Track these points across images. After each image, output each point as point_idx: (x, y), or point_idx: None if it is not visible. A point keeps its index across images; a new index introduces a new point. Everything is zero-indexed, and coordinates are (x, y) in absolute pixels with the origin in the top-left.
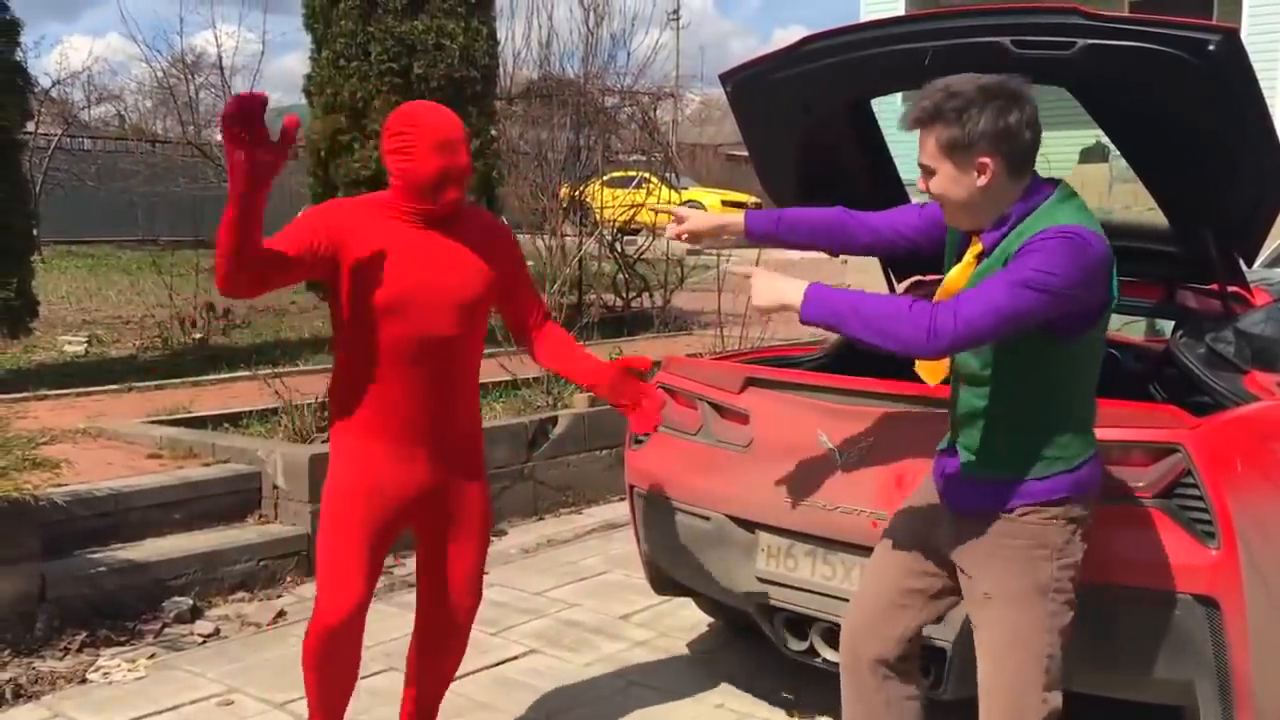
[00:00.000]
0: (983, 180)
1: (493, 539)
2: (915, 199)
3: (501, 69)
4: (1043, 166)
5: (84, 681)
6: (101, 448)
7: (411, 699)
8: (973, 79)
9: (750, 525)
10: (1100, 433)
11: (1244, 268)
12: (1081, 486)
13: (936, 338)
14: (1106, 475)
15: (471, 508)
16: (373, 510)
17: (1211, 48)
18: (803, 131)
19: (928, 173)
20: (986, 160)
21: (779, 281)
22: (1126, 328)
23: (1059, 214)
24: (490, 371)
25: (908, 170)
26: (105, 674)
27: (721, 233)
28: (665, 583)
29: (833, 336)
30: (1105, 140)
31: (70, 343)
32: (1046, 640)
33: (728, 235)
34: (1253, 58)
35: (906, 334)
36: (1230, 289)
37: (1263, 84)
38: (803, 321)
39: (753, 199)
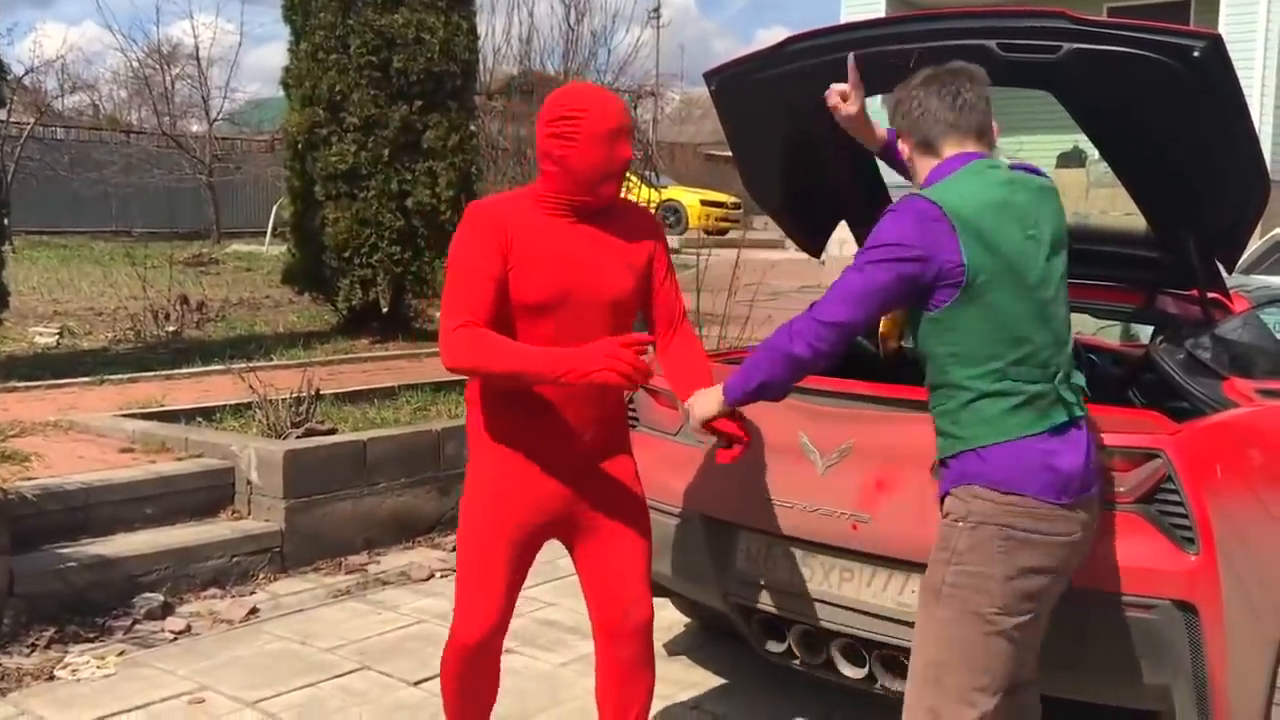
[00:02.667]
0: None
1: None
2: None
3: (482, 64)
4: None
5: (52, 678)
6: (72, 441)
7: None
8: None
9: (729, 526)
10: None
11: (1224, 274)
12: (993, 477)
13: (797, 339)
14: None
15: (627, 513)
16: (518, 525)
17: (1196, 53)
18: (786, 131)
19: None
20: (901, 142)
21: (705, 395)
22: (1101, 332)
23: (934, 188)
24: None
25: (890, 173)
26: (74, 671)
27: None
28: None
29: None
30: (1083, 145)
31: (41, 334)
32: (930, 647)
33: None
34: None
35: (784, 352)
36: (1210, 295)
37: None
38: (733, 404)
39: (732, 198)
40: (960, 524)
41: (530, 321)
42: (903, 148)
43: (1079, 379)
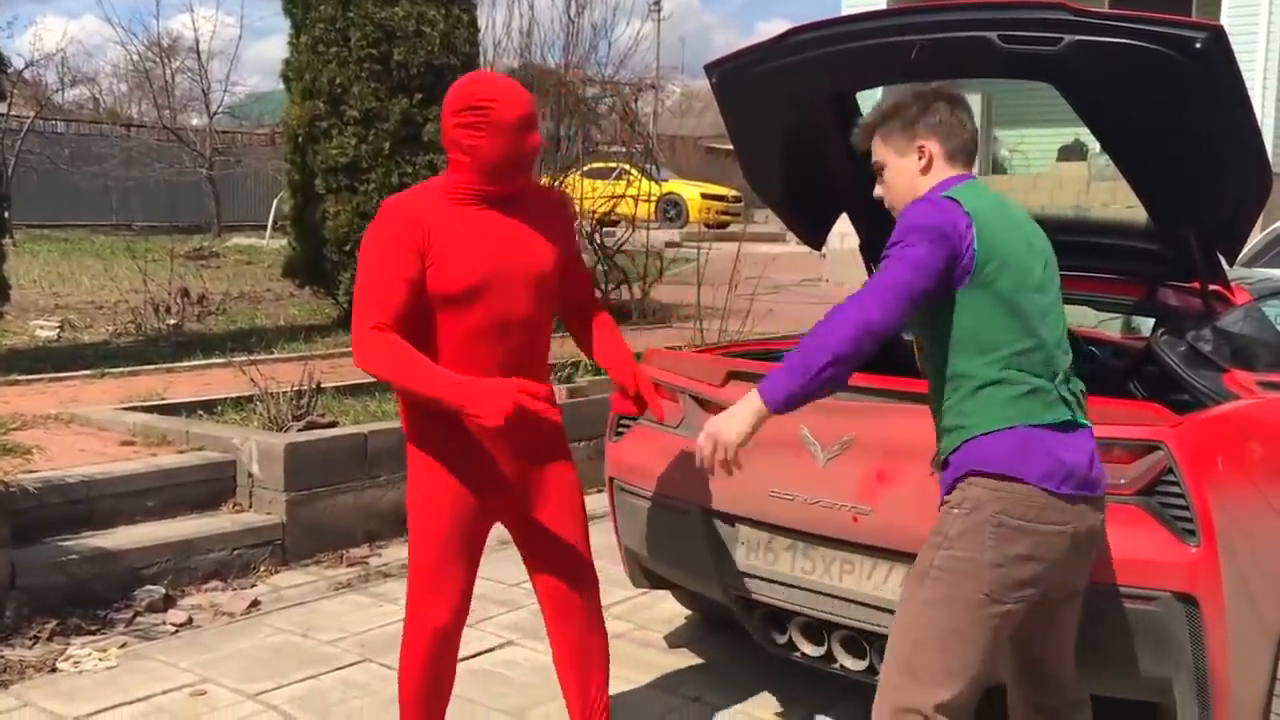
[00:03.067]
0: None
1: None
2: None
3: (482, 57)
4: (1021, 163)
5: (54, 670)
6: (74, 434)
7: (580, 706)
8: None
9: (730, 519)
10: None
11: (1225, 266)
12: (994, 462)
13: (868, 307)
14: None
15: (564, 491)
16: (462, 510)
17: (1198, 45)
18: (787, 124)
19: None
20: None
21: (732, 412)
22: (1103, 324)
23: (948, 191)
24: None
25: None
26: (75, 663)
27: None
28: (644, 575)
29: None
30: (1084, 138)
31: (42, 327)
32: (909, 626)
33: None
34: None
35: (856, 322)
36: (1212, 287)
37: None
38: (778, 410)
39: (733, 191)
40: (956, 510)
41: (456, 311)
42: (918, 153)
43: (1079, 386)
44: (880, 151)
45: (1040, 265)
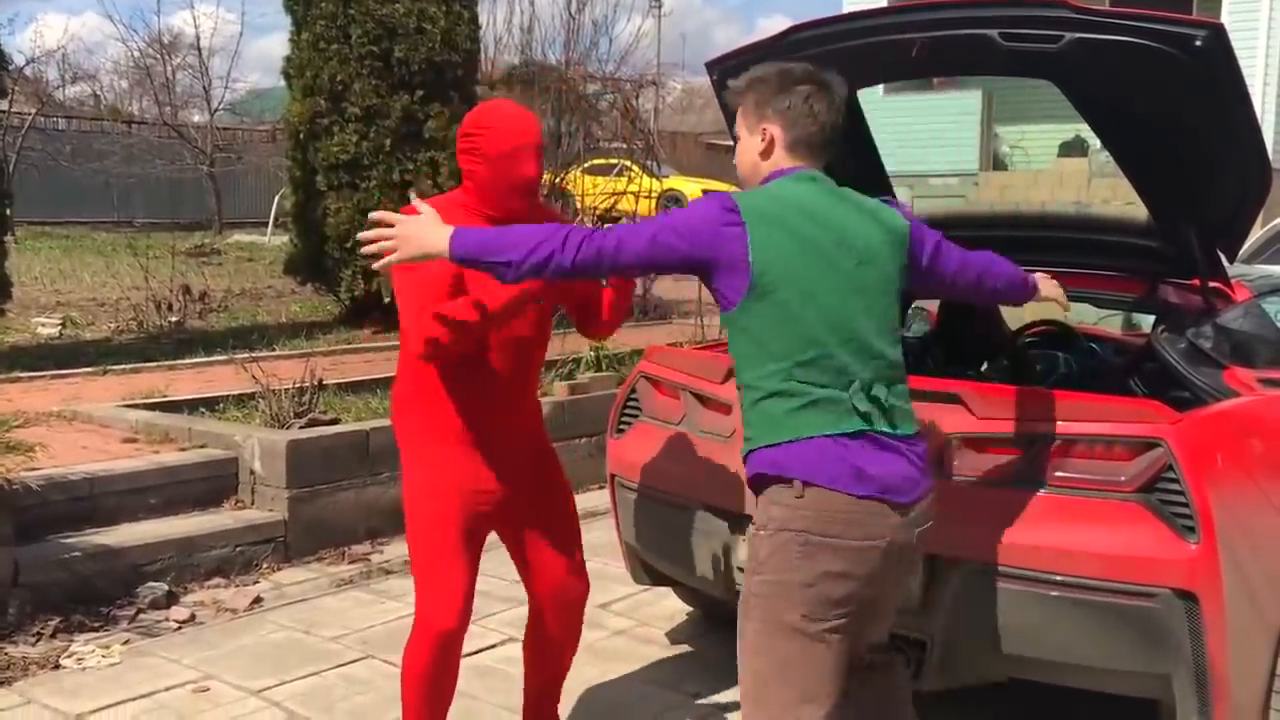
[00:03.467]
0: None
1: None
2: (900, 193)
3: (483, 54)
4: (1021, 159)
5: (57, 667)
6: (76, 431)
7: (533, 690)
8: None
9: (732, 515)
10: (1083, 427)
11: (1225, 263)
12: (781, 465)
13: (570, 248)
14: (1085, 467)
15: (556, 498)
16: (462, 513)
17: (1198, 42)
18: None
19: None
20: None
21: (426, 231)
22: (1104, 321)
23: (755, 191)
24: None
25: (892, 162)
26: (79, 660)
27: None
28: (645, 572)
29: None
30: (1085, 134)
31: (44, 325)
32: (748, 658)
33: None
34: None
35: (552, 245)
36: (1211, 284)
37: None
38: (452, 258)
39: (733, 188)
40: (762, 532)
41: None
42: (761, 135)
43: (893, 398)
44: (737, 122)
45: (849, 267)
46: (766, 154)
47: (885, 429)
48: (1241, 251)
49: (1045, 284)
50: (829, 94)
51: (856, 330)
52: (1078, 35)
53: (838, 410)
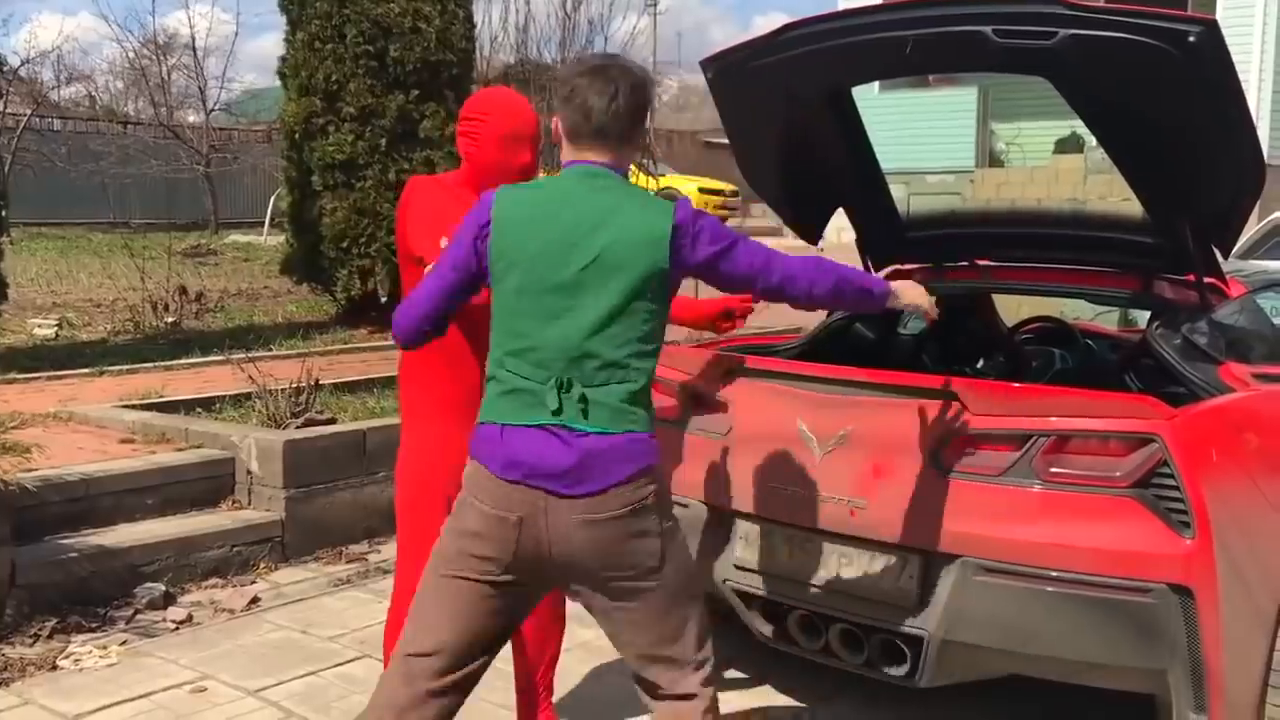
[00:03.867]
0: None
1: None
2: (894, 188)
3: (478, 53)
4: (1017, 156)
5: (54, 668)
6: (72, 432)
7: (523, 677)
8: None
9: (728, 513)
10: (1078, 422)
11: (1220, 259)
12: (472, 449)
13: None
14: (1081, 462)
15: None
16: (451, 489)
17: (1192, 39)
18: (783, 119)
19: None
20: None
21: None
22: (1100, 317)
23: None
24: None
25: (888, 160)
26: (76, 661)
27: None
28: None
29: (811, 326)
30: (1080, 131)
31: (40, 326)
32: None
33: None
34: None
35: None
36: (1207, 280)
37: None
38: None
39: (730, 186)
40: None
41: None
42: (556, 125)
43: (602, 397)
44: None
45: (577, 267)
46: (559, 143)
47: (579, 426)
48: (1237, 247)
49: (907, 292)
50: (602, 82)
51: (568, 329)
52: (1072, 32)
53: (530, 402)
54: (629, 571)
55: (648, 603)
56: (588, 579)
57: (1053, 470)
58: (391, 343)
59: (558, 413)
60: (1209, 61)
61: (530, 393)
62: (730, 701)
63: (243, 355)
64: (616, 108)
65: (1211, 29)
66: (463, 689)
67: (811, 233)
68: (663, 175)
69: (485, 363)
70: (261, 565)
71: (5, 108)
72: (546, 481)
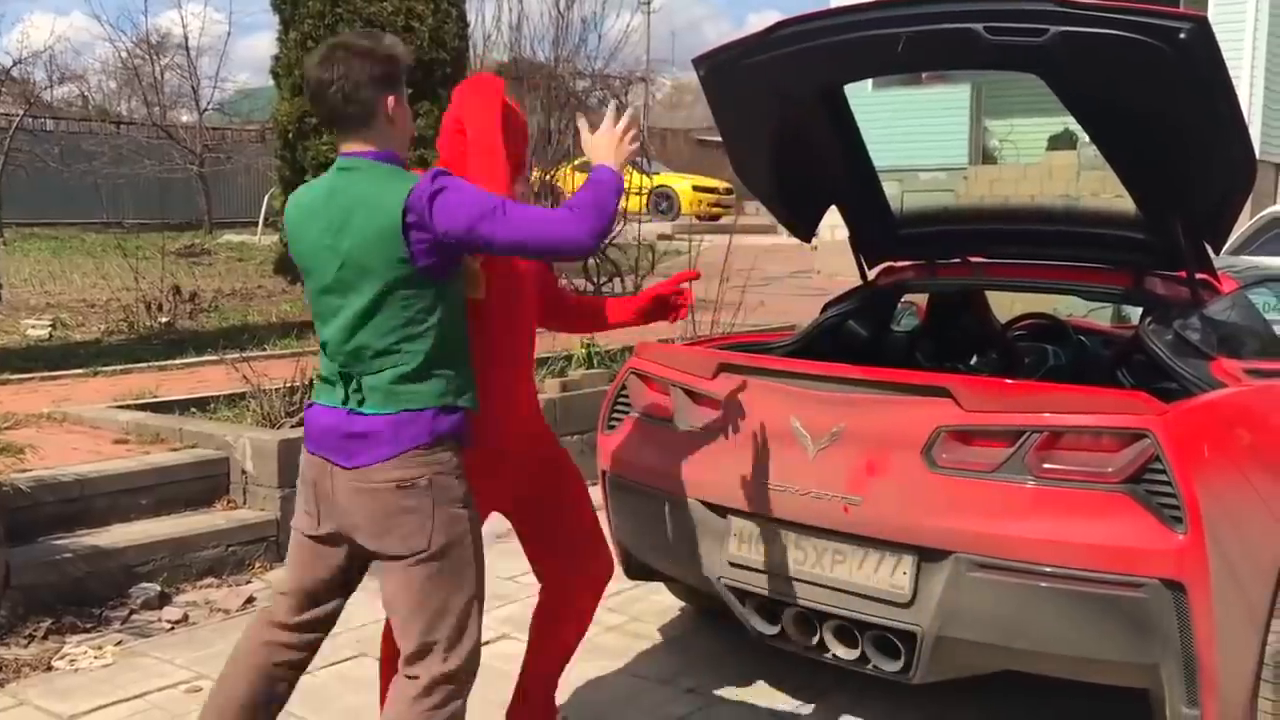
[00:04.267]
0: None
1: None
2: (888, 186)
3: (471, 51)
4: (1010, 153)
5: (49, 669)
6: (66, 433)
7: (533, 674)
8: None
9: (722, 510)
10: (1071, 418)
11: (1211, 255)
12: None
13: None
14: (1073, 458)
15: (564, 476)
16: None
17: (1183, 35)
18: (776, 117)
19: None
20: None
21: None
22: (1093, 314)
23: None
24: None
25: (881, 157)
26: (71, 661)
27: None
28: (637, 567)
29: (805, 323)
30: (1074, 127)
31: (34, 326)
32: None
33: None
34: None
35: None
36: (1198, 276)
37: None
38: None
39: (725, 184)
40: None
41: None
42: None
43: (375, 381)
44: None
45: (334, 266)
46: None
47: (358, 409)
48: (1230, 243)
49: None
50: (326, 65)
51: (341, 326)
52: (1063, 29)
53: (327, 388)
54: (396, 545)
55: (411, 578)
56: (367, 542)
57: (1045, 466)
58: None
59: (345, 400)
60: (1200, 58)
61: (328, 380)
62: (726, 698)
63: (237, 355)
64: (342, 86)
65: (1202, 25)
66: (314, 627)
67: (805, 230)
68: (656, 174)
69: (488, 362)
70: (257, 565)
71: None
72: (330, 453)
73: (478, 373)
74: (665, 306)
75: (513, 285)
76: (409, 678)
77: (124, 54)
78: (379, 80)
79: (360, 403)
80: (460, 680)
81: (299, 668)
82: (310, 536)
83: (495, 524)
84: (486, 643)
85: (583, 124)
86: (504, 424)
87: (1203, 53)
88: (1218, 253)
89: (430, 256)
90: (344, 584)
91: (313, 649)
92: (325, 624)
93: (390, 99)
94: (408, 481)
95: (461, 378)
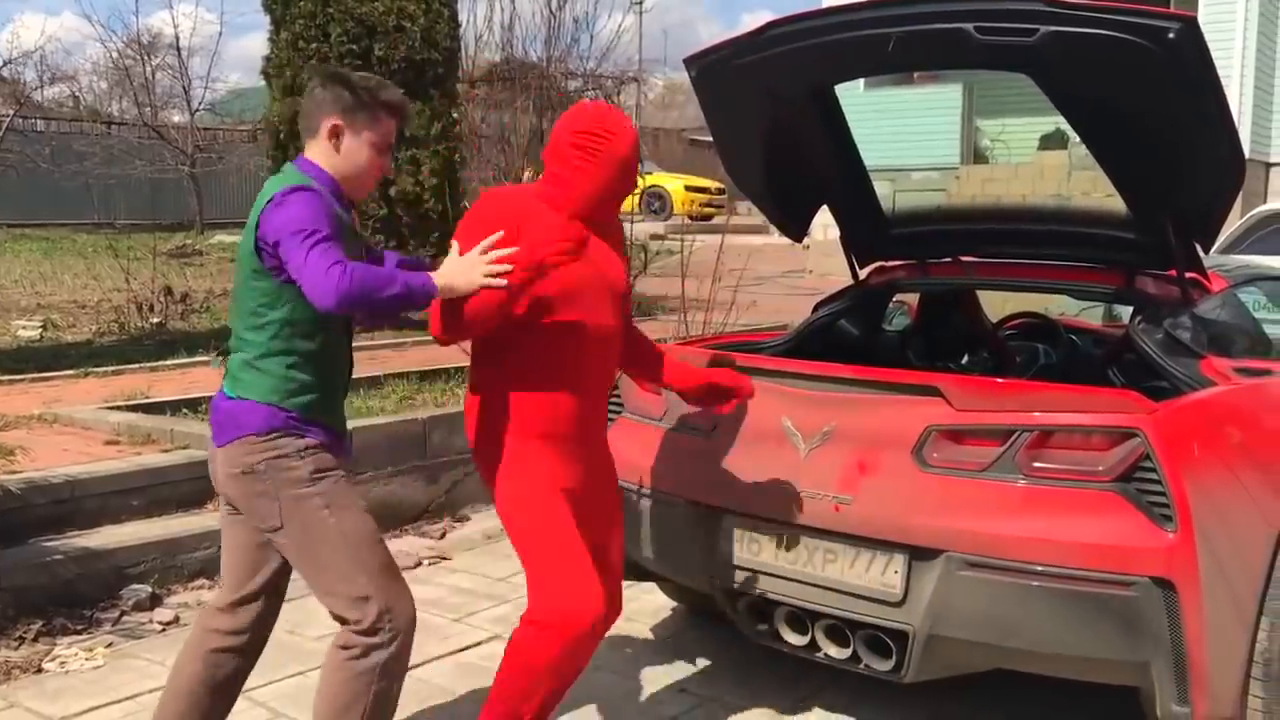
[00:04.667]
0: None
1: (456, 525)
2: (879, 185)
3: (463, 52)
4: (1002, 153)
5: (40, 671)
6: (57, 434)
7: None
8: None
9: (714, 510)
10: (1061, 417)
11: (1201, 254)
12: None
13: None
14: (1064, 457)
15: (615, 507)
16: (568, 508)
17: (1171, 35)
18: (767, 117)
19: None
20: None
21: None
22: (1084, 313)
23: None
24: (453, 356)
25: (872, 157)
26: (62, 663)
27: None
28: (629, 567)
29: (796, 323)
30: (1065, 127)
31: (25, 327)
32: None
33: None
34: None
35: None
36: (1188, 275)
37: (1219, 73)
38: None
39: (717, 184)
40: None
41: (554, 315)
42: None
43: (233, 366)
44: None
45: (239, 264)
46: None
47: (224, 388)
48: (1221, 241)
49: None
50: (319, 84)
51: (232, 314)
52: (1053, 29)
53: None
54: (259, 521)
55: (286, 552)
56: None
57: (1036, 465)
58: (375, 343)
59: (224, 378)
60: (1189, 58)
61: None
62: (718, 698)
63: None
64: (307, 105)
65: (1191, 25)
66: (257, 598)
67: (796, 230)
68: (649, 173)
69: (575, 379)
70: None
71: None
72: (213, 436)
73: (567, 399)
74: (718, 396)
75: (606, 320)
76: (341, 646)
77: (115, 54)
78: (329, 100)
79: (226, 385)
80: (376, 640)
81: (240, 652)
82: (227, 511)
83: (485, 524)
84: (476, 644)
85: (453, 247)
86: (581, 451)
87: (1192, 52)
88: (1207, 252)
89: (272, 258)
90: (270, 557)
91: (253, 630)
92: (258, 604)
93: (327, 119)
94: (249, 468)
95: (296, 382)
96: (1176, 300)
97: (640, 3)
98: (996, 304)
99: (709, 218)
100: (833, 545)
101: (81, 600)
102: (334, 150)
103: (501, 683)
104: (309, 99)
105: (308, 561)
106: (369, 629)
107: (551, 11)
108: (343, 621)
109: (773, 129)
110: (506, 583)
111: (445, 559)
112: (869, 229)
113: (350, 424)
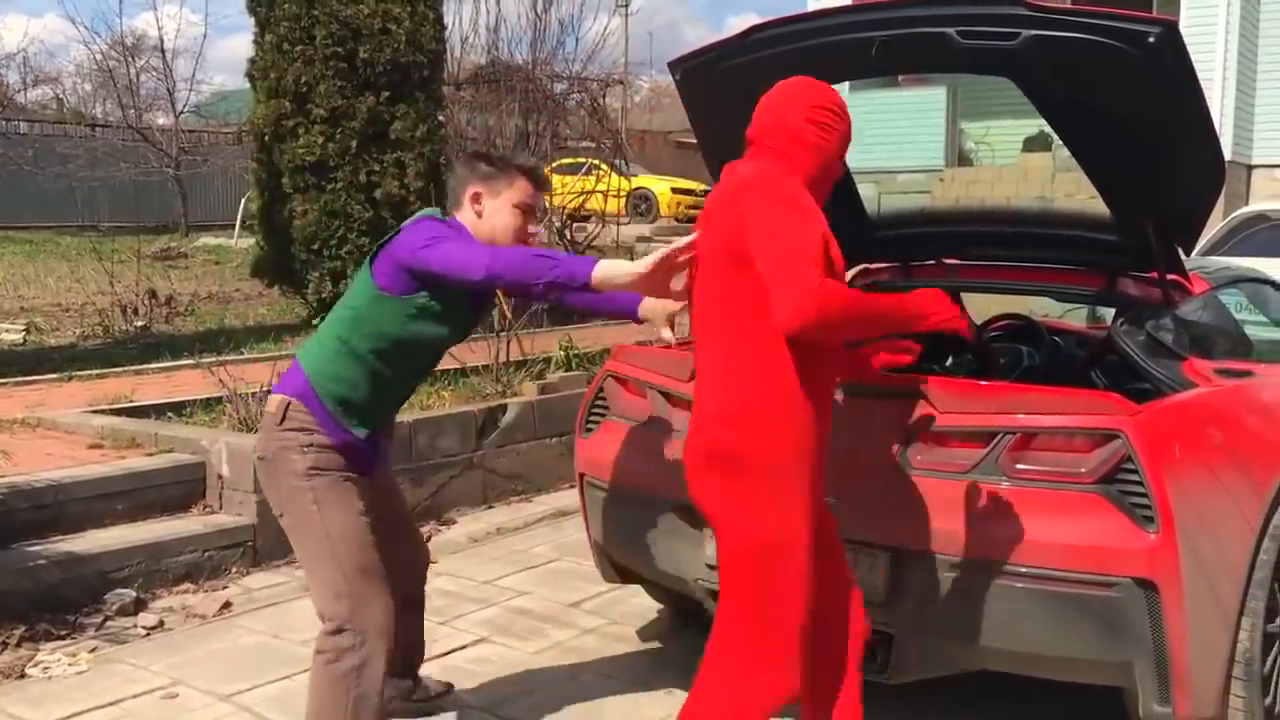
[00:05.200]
0: None
1: (441, 528)
2: (864, 188)
3: (449, 54)
4: (987, 155)
5: (23, 677)
6: (40, 438)
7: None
8: None
9: (699, 512)
10: (1044, 419)
11: (1183, 256)
12: None
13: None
14: (1047, 459)
15: (835, 535)
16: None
17: (1152, 40)
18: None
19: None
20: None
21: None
22: (1068, 315)
23: None
24: (447, 360)
25: (857, 159)
26: (45, 669)
27: None
28: (615, 570)
29: None
30: (1048, 129)
31: (8, 331)
32: None
33: None
34: (1190, 51)
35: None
36: (1170, 277)
37: (1200, 78)
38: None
39: (702, 186)
40: None
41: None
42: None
43: (319, 331)
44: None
45: None
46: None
47: (298, 352)
48: (1203, 243)
49: None
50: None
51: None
52: (1034, 33)
53: None
54: (271, 505)
55: (289, 537)
56: None
57: (1019, 467)
58: None
59: None
60: (1169, 62)
61: None
62: None
63: (213, 359)
64: (450, 184)
65: (1170, 30)
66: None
67: None
68: (635, 175)
69: (826, 401)
70: (233, 570)
71: None
72: None
73: (827, 410)
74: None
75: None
76: (318, 651)
77: (99, 56)
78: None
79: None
80: (344, 643)
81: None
82: None
83: (471, 527)
84: (462, 647)
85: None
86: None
87: (1172, 57)
88: (1189, 254)
89: (408, 279)
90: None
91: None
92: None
93: (474, 190)
94: (262, 454)
95: (346, 382)
96: (1158, 302)
97: (626, 5)
98: (980, 306)
99: (695, 220)
100: None
101: (65, 605)
102: (477, 216)
103: None
104: (452, 177)
105: (299, 551)
106: (336, 629)
107: (537, 14)
108: (321, 620)
109: None
110: (493, 585)
111: (431, 562)
112: (853, 232)
113: None
